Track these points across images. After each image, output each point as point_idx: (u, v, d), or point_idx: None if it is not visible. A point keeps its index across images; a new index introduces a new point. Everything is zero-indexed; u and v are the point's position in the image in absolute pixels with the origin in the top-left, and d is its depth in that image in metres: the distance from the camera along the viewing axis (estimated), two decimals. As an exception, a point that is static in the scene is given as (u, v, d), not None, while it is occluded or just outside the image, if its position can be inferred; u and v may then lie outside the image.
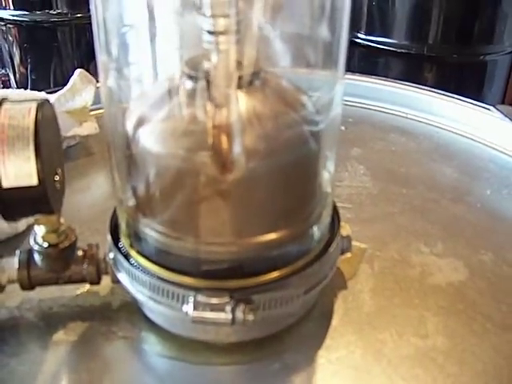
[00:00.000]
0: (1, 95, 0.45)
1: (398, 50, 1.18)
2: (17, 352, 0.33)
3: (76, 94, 0.49)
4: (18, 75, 1.45)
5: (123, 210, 0.33)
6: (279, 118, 0.29)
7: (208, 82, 0.29)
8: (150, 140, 0.29)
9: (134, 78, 0.33)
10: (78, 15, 1.37)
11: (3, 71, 1.48)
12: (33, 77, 1.43)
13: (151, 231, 0.30)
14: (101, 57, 0.32)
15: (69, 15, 1.36)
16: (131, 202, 0.32)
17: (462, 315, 0.36)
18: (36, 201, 0.30)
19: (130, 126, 0.30)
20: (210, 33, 0.29)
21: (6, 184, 0.29)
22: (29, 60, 1.42)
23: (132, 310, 0.35)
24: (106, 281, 0.35)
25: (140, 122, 0.29)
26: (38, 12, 1.36)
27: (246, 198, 0.29)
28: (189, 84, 0.29)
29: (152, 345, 0.34)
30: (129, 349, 0.34)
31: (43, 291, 0.35)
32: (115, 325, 0.35)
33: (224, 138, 0.27)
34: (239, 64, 0.29)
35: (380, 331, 0.35)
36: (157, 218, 0.30)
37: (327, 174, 0.32)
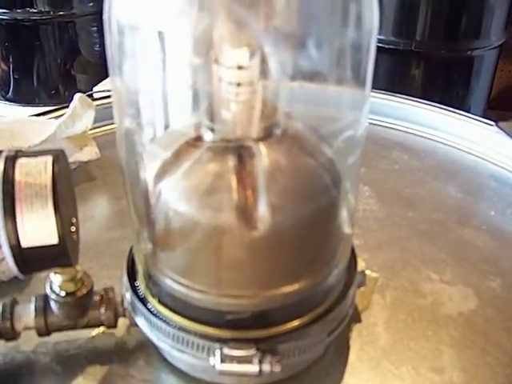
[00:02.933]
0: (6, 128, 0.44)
1: (386, 46, 1.19)
2: (37, 401, 0.33)
3: (76, 120, 0.48)
4: (0, 74, 1.42)
5: (141, 256, 0.33)
6: (303, 171, 0.29)
7: (229, 134, 0.29)
8: (173, 196, 0.28)
9: (149, 123, 0.32)
10: (60, 13, 1.34)
11: (-16, 70, 1.44)
12: (15, 76, 1.40)
13: (173, 283, 0.30)
14: (116, 102, 0.31)
15: (51, 13, 1.33)
16: (150, 250, 0.32)
17: (475, 346, 0.37)
18: (56, 257, 0.30)
19: (149, 176, 0.30)
20: (230, 83, 0.28)
21: (25, 244, 0.28)
22: (11, 59, 1.39)
23: (149, 351, 0.35)
24: (121, 321, 0.35)
25: (161, 175, 0.29)
26: (18, 10, 1.33)
27: (270, 252, 0.29)
28: (209, 136, 0.29)
29: (172, 388, 0.34)
30: (149, 393, 0.34)
31: (58, 333, 0.35)
32: (134, 367, 0.35)
33: (249, 195, 0.27)
34: (260, 115, 0.29)
35: (397, 366, 0.35)
36: (178, 271, 0.30)
37: (347, 215, 0.33)
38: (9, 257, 0.29)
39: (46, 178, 0.29)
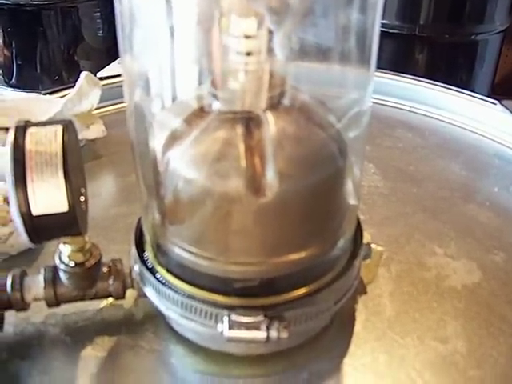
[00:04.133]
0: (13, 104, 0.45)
1: (390, 31, 1.18)
2: (47, 369, 0.34)
3: (83, 98, 0.49)
4: (2, 60, 1.42)
5: (150, 226, 0.33)
6: (310, 140, 0.29)
7: (237, 104, 0.29)
8: (182, 164, 0.29)
9: (158, 94, 0.32)
10: (63, -2, 1.34)
11: (-13, 56, 1.44)
12: (18, 62, 1.40)
13: (181, 251, 0.31)
14: (126, 74, 0.31)
15: (53, -2, 1.33)
16: (158, 219, 0.32)
17: (479, 318, 0.37)
18: (66, 226, 0.30)
19: (158, 145, 0.30)
20: (239, 53, 0.28)
21: (35, 212, 0.29)
22: (13, 44, 1.39)
23: (157, 321, 0.36)
24: (128, 293, 0.35)
25: (169, 144, 0.29)
26: (20, -5, 1.32)
27: (278, 219, 0.29)
28: (217, 105, 0.29)
29: (180, 358, 0.35)
30: (157, 362, 0.35)
31: (67, 305, 0.35)
32: (142, 338, 0.35)
33: (257, 162, 0.28)
34: (268, 84, 0.29)
35: (402, 336, 0.36)
36: (187, 239, 0.30)
37: (353, 186, 0.33)
38: (19, 225, 0.29)
39: (56, 146, 0.29)
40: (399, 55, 1.24)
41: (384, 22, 1.17)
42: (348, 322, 0.36)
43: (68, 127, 0.30)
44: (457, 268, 0.41)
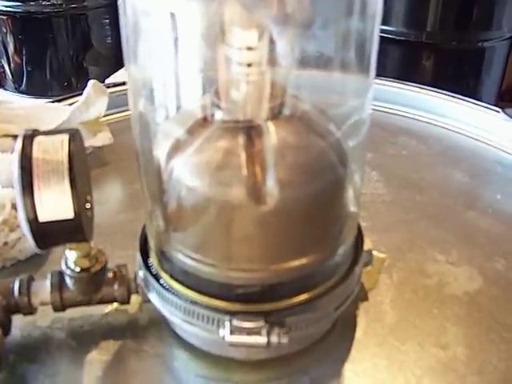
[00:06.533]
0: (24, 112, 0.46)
1: (397, 38, 1.19)
2: (54, 372, 0.34)
3: (90, 106, 0.50)
4: (13, 66, 1.44)
5: (154, 233, 0.34)
6: (310, 149, 0.30)
7: (239, 114, 0.30)
8: (185, 172, 0.29)
9: (162, 103, 0.33)
10: (73, 6, 1.36)
11: (-2, 63, 1.46)
12: (28, 68, 1.42)
13: (184, 257, 0.31)
14: (131, 83, 0.32)
15: (63, 6, 1.35)
16: (162, 226, 0.33)
17: (480, 324, 0.37)
18: (71, 232, 0.31)
19: (162, 153, 0.31)
20: (240, 64, 0.29)
21: (42, 218, 0.30)
22: (24, 51, 1.41)
23: (161, 326, 0.36)
24: (133, 298, 0.36)
25: (173, 152, 0.30)
26: (31, 3, 1.34)
27: (279, 227, 0.30)
28: (220, 115, 0.30)
29: (183, 362, 0.35)
30: (161, 366, 0.35)
31: (73, 310, 0.36)
32: (146, 343, 0.36)
33: (258, 171, 0.28)
34: (270, 94, 0.29)
35: (402, 342, 0.36)
36: (190, 245, 0.31)
37: (354, 193, 0.33)
38: (27, 231, 0.30)
39: (63, 154, 0.30)
40: (406, 62, 1.24)
41: (391, 28, 1.18)
42: (349, 328, 0.37)
43: (74, 136, 0.31)
44: (458, 275, 0.41)
